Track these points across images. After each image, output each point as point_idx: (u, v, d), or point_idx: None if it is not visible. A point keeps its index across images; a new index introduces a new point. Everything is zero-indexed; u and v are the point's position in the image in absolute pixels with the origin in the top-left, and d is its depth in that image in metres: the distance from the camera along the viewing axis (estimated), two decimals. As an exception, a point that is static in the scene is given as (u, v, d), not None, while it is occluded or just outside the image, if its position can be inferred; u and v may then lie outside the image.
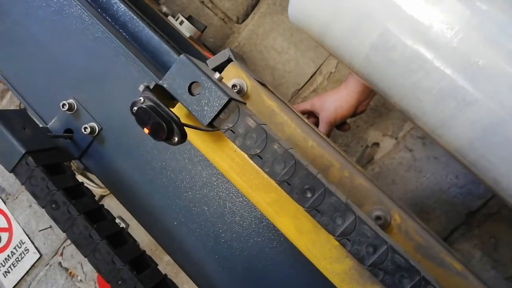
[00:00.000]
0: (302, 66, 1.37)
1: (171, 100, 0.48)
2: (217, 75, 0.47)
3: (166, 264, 1.49)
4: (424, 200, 1.26)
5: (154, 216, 0.64)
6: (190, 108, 0.44)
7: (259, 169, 0.50)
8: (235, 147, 0.52)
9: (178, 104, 0.52)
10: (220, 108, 0.44)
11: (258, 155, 0.44)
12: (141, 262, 0.61)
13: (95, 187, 1.63)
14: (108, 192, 1.64)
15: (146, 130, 0.41)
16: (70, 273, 1.80)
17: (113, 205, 1.53)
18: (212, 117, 0.44)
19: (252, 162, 0.51)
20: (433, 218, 1.26)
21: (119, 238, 0.59)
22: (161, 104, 0.42)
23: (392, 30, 0.53)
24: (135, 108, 0.42)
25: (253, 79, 0.61)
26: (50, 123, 0.68)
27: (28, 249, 1.83)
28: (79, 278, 1.80)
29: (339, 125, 1.05)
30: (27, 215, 1.86)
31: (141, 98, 0.43)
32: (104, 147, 0.66)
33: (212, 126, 0.45)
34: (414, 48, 0.52)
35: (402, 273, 0.41)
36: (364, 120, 1.32)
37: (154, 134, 0.41)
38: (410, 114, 0.58)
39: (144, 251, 0.64)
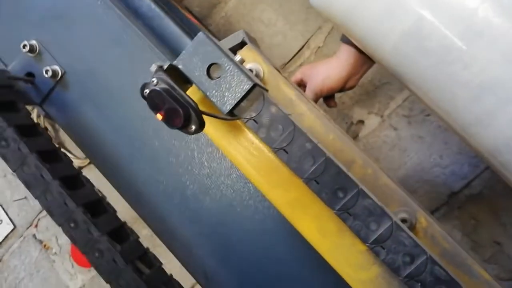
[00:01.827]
0: (290, 39, 1.31)
1: (184, 83, 0.43)
2: (238, 57, 0.42)
3: (143, 238, 1.45)
4: (406, 179, 1.25)
5: (119, 168, 0.61)
6: (208, 93, 0.39)
7: (280, 164, 0.45)
8: (254, 138, 0.47)
9: (191, 89, 0.46)
10: (243, 95, 0.38)
11: (284, 149, 0.39)
12: (121, 234, 0.58)
13: (73, 158, 1.57)
14: (87, 163, 1.58)
15: (159, 116, 0.36)
16: (45, 245, 1.74)
17: (91, 177, 1.47)
18: (234, 104, 0.39)
19: (273, 156, 0.46)
20: (415, 198, 1.25)
21: (97, 208, 0.55)
22: (177, 88, 0.37)
23: (428, 17, 0.48)
24: (147, 90, 0.37)
25: (270, 65, 0.56)
26: (10, 66, 0.63)
27: (1, 220, 1.76)
28: (53, 251, 1.74)
29: (326, 99, 0.99)
30: (1, 185, 1.78)
31: (154, 79, 0.37)
32: (67, 92, 0.62)
33: (232, 115, 0.40)
34: (453, 37, 0.47)
35: (442, 287, 0.37)
36: (350, 96, 1.28)
37: (169, 121, 0.36)
38: (440, 109, 0.54)
39: (125, 222, 0.61)
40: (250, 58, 0.55)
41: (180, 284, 0.65)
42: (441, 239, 0.52)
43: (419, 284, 0.37)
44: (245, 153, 0.47)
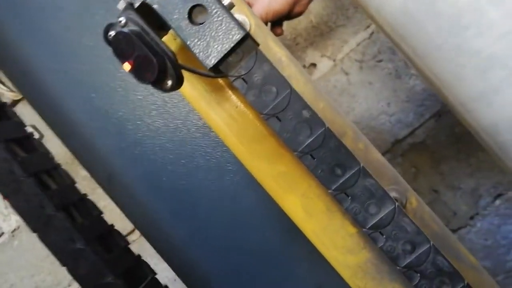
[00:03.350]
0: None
1: (158, 28, 0.35)
2: (226, 0, 0.35)
3: (81, 179, 1.37)
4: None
5: (34, 76, 0.53)
6: (188, 42, 0.32)
7: (266, 133, 0.40)
8: (238, 101, 0.41)
9: (166, 36, 0.39)
10: (231, 46, 0.32)
11: (277, 116, 0.33)
12: (27, 146, 0.51)
13: (6, 91, 1.45)
14: (21, 97, 1.46)
15: (127, 66, 0.29)
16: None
17: (26, 112, 1.36)
18: (220, 57, 0.32)
19: (259, 123, 0.40)
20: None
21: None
22: (151, 32, 0.29)
23: (442, -28, 0.42)
24: (112, 32, 0.29)
25: (257, 18, 0.48)
26: None
27: None
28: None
29: (273, 26, 0.94)
30: None
31: (122, 18, 0.29)
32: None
33: (216, 71, 0.33)
34: (469, -2, 0.41)
35: (443, 279, 0.33)
36: (304, 37, 1.25)
37: (139, 72, 0.29)
38: (439, 80, 0.49)
39: (32, 133, 0.55)
40: (235, 8, 0.48)
41: (93, 202, 0.59)
42: (430, 220, 0.48)
43: (418, 275, 0.33)
44: (226, 117, 0.40)
